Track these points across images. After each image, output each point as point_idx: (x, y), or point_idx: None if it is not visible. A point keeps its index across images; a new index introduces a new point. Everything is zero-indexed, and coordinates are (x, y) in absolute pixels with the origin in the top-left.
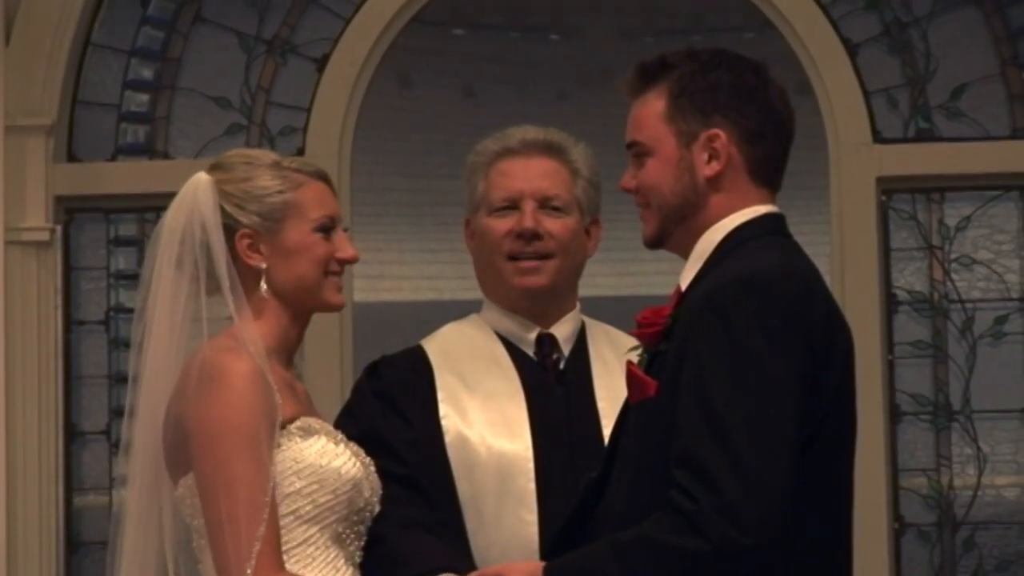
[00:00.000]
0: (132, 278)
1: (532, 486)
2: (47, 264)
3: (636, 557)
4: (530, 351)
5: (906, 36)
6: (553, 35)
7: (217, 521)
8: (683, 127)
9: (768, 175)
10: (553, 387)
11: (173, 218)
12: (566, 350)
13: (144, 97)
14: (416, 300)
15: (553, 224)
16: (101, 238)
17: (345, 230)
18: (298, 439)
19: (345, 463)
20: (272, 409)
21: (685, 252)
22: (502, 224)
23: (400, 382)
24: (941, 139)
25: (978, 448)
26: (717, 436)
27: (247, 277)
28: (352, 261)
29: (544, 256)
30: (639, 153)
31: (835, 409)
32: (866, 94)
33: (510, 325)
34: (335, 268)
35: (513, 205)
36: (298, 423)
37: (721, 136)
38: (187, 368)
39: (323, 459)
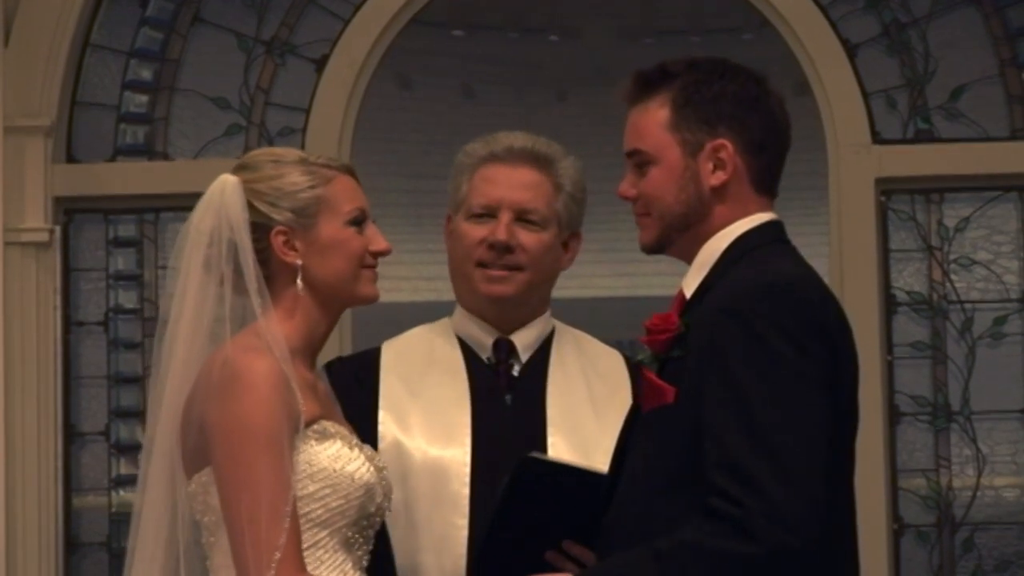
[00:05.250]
0: (131, 279)
1: (466, 491)
2: (46, 265)
3: (680, 564)
4: (487, 356)
5: (905, 37)
6: (552, 36)
7: (238, 522)
8: (688, 137)
9: (768, 183)
10: (502, 393)
11: (200, 220)
12: (524, 357)
13: (143, 98)
14: (414, 301)
15: (527, 237)
16: (100, 239)
17: (373, 221)
18: (313, 442)
19: (359, 468)
20: (294, 411)
21: (687, 258)
22: (477, 231)
23: (341, 388)
24: (940, 140)
25: (977, 449)
26: (757, 441)
27: (281, 275)
28: (385, 253)
29: (514, 268)
30: (641, 162)
31: (848, 410)
32: (865, 95)
33: (471, 329)
34: (370, 261)
35: (491, 213)
36: (315, 426)
37: (728, 146)
38: (209, 366)
39: (337, 463)
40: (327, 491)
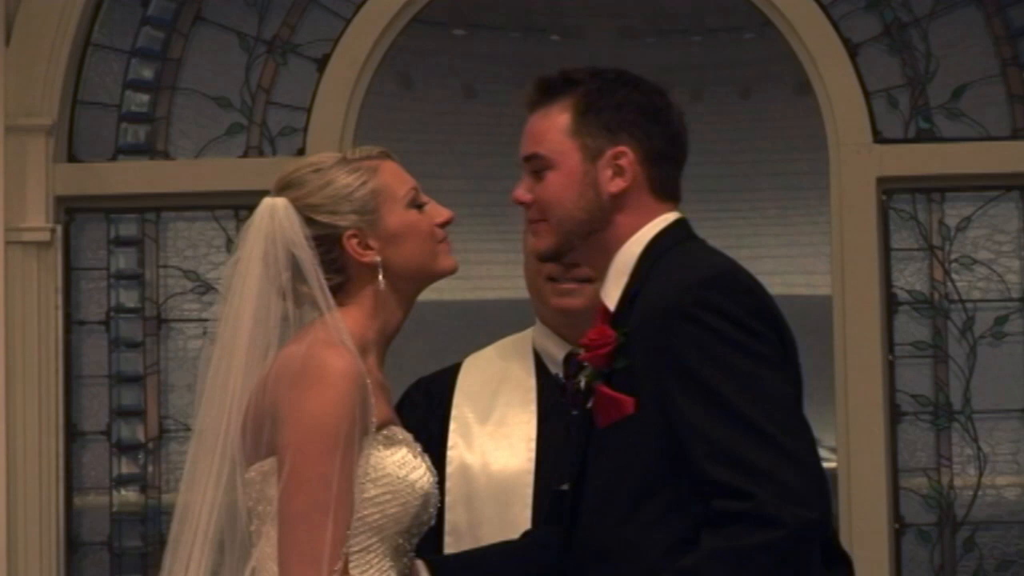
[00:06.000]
0: (132, 278)
1: (528, 512)
2: (47, 264)
3: (714, 574)
4: (558, 370)
5: (906, 36)
6: (553, 36)
7: (291, 517)
8: (588, 142)
9: (670, 191)
10: (568, 409)
11: (251, 249)
12: None
13: (144, 97)
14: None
15: None
16: (102, 238)
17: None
18: (381, 447)
19: (421, 477)
20: (366, 412)
21: (590, 264)
22: None
23: (415, 418)
24: (941, 139)
25: (978, 448)
26: (749, 431)
27: (360, 276)
28: (450, 220)
29: (583, 280)
30: (539, 167)
31: (797, 386)
32: (866, 94)
33: (546, 344)
34: (440, 235)
35: None
36: (384, 431)
37: (628, 154)
38: (286, 358)
39: (401, 471)
40: (387, 497)
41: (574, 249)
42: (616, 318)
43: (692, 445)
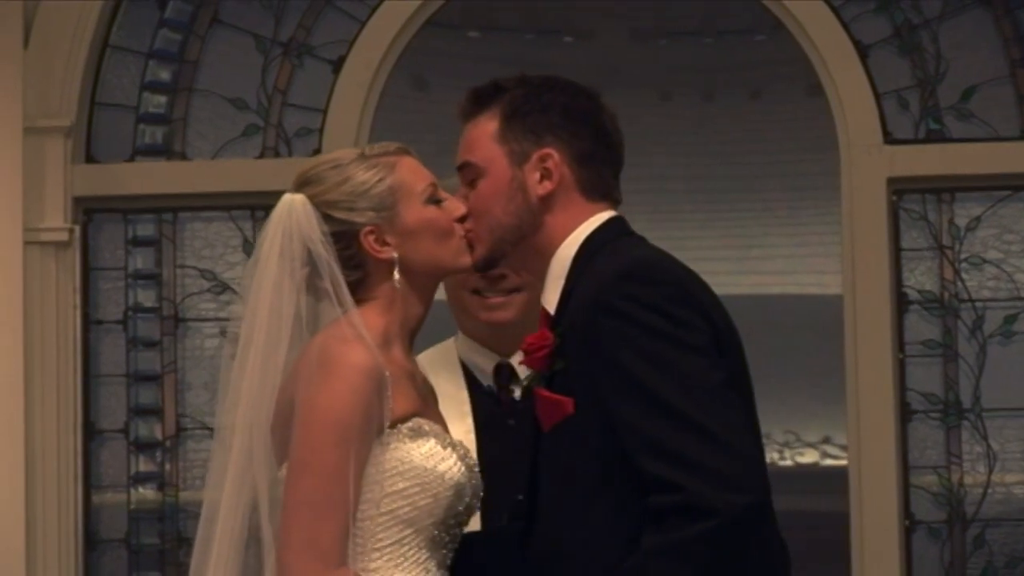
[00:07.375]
0: (150, 278)
1: (475, 516)
2: (66, 264)
3: (656, 572)
4: (488, 382)
5: (917, 38)
6: (566, 37)
7: (290, 505)
8: (515, 147)
9: (603, 191)
10: (504, 419)
11: (269, 245)
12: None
13: (162, 99)
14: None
15: None
16: (119, 238)
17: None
18: (407, 440)
19: (451, 468)
20: (380, 410)
21: (530, 270)
22: None
23: None
24: (951, 140)
25: (988, 446)
26: (677, 421)
27: (378, 272)
28: (467, 216)
29: (512, 291)
30: (472, 176)
31: (742, 375)
32: (877, 95)
33: (473, 356)
34: (459, 231)
35: None
36: (410, 424)
37: (554, 155)
38: (306, 354)
39: (429, 462)
40: (416, 489)
41: (507, 256)
42: (556, 321)
43: (627, 440)
